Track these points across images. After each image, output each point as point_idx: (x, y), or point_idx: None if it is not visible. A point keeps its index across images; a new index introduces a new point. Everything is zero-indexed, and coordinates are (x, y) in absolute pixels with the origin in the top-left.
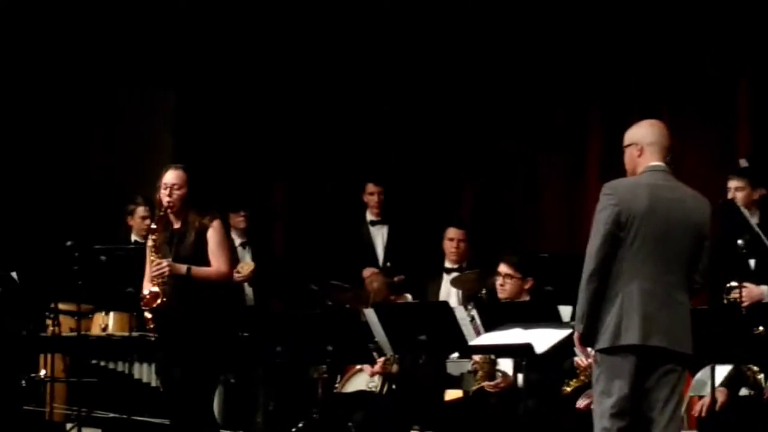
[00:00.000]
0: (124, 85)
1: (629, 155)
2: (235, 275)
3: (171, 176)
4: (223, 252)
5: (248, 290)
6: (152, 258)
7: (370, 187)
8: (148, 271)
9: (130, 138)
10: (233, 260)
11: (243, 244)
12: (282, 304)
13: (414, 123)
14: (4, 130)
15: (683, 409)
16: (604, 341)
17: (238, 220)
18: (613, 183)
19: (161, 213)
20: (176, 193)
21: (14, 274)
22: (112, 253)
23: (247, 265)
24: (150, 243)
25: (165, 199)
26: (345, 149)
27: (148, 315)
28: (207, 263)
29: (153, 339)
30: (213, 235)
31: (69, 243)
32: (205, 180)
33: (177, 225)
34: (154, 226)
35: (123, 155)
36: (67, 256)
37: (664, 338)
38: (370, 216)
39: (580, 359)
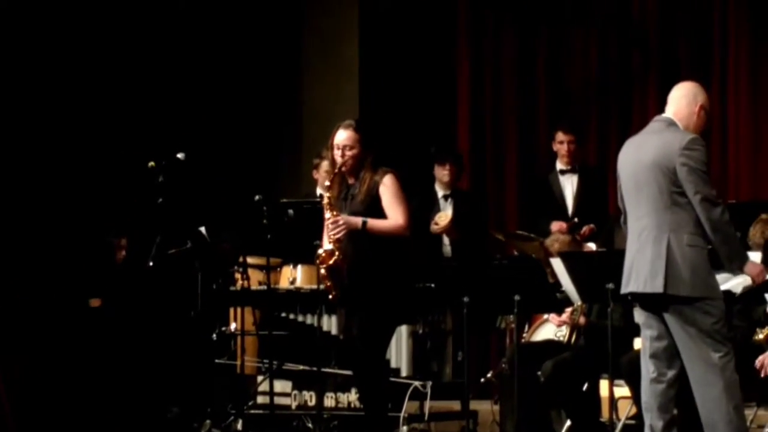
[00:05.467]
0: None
1: None
2: (433, 227)
3: (342, 137)
4: (398, 204)
5: (446, 241)
6: (328, 216)
7: (560, 136)
8: (326, 230)
9: (314, 87)
10: (432, 213)
11: (445, 197)
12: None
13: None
14: (190, 85)
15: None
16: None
17: (444, 173)
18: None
19: (336, 171)
20: (348, 153)
21: (203, 230)
22: (299, 207)
23: (444, 216)
24: (325, 201)
25: (338, 160)
26: (533, 96)
27: (324, 273)
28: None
29: (330, 298)
30: (385, 190)
31: (257, 197)
32: (378, 136)
33: (351, 181)
34: (327, 183)
35: (307, 104)
36: (256, 210)
37: (635, 282)
38: (560, 165)
39: None
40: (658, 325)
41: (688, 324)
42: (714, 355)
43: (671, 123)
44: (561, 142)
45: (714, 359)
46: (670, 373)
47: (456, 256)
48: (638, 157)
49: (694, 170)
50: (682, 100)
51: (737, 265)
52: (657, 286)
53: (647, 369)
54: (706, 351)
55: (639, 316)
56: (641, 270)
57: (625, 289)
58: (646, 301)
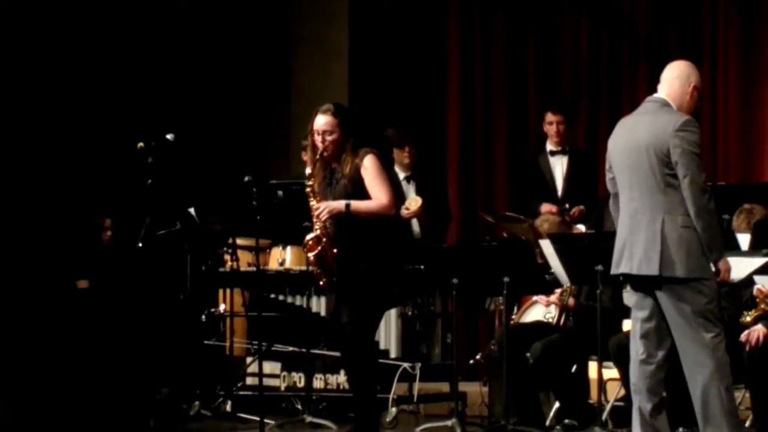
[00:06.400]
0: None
1: None
2: (404, 212)
3: (321, 122)
4: (381, 183)
5: (415, 224)
6: (312, 204)
7: (549, 116)
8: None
9: (303, 69)
10: (399, 197)
11: (407, 178)
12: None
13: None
14: (179, 67)
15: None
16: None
17: (404, 155)
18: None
19: (317, 157)
20: (328, 138)
21: (192, 211)
22: (288, 188)
23: (415, 200)
24: (308, 189)
25: (318, 145)
26: (523, 79)
27: (312, 260)
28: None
29: (321, 285)
30: (366, 171)
31: (247, 178)
32: (359, 118)
33: (334, 166)
34: (309, 170)
35: (297, 86)
36: (245, 191)
37: (628, 263)
38: (550, 146)
39: (761, 287)
40: (649, 305)
41: (681, 303)
42: (706, 335)
43: (665, 104)
44: (550, 123)
45: (706, 339)
46: (660, 354)
47: (426, 239)
48: (631, 138)
49: (686, 152)
50: (675, 81)
51: (714, 257)
52: (652, 269)
53: (636, 350)
54: (698, 331)
55: (630, 297)
56: (635, 251)
57: (616, 270)
58: (639, 281)
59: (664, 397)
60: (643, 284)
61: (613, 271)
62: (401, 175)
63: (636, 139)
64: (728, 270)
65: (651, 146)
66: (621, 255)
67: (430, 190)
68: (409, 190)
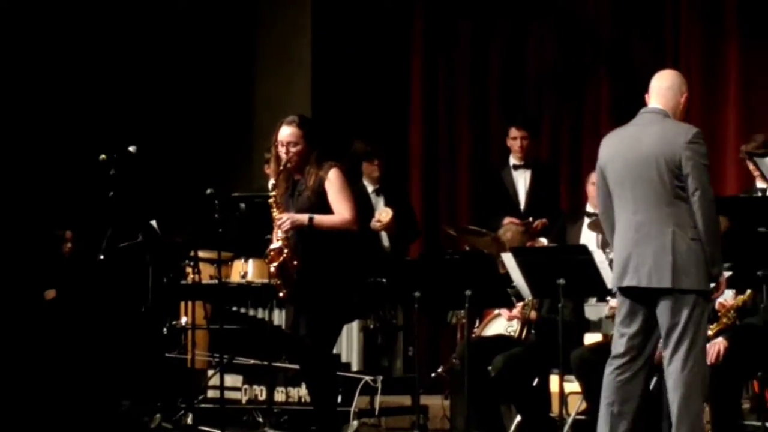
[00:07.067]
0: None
1: None
2: (375, 224)
3: (285, 133)
4: (344, 199)
5: (385, 238)
6: (274, 214)
7: (514, 132)
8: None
9: (267, 80)
10: (368, 209)
11: (376, 191)
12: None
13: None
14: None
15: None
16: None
17: (372, 168)
18: (606, 136)
19: (281, 168)
20: (292, 150)
21: (154, 223)
22: (250, 201)
23: (386, 211)
24: (271, 199)
25: (282, 156)
26: (487, 91)
27: (273, 271)
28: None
29: (281, 296)
30: (330, 185)
31: (209, 191)
32: (323, 130)
33: (297, 177)
34: (273, 182)
35: (260, 97)
36: (207, 204)
37: (634, 277)
38: (513, 160)
39: (723, 301)
40: (639, 322)
41: (682, 313)
42: (698, 345)
43: (666, 114)
44: (514, 138)
45: (697, 348)
46: (637, 366)
47: (395, 251)
48: (636, 149)
49: (698, 165)
50: (669, 91)
51: (716, 272)
52: (664, 281)
53: (614, 364)
54: (693, 340)
55: (620, 311)
56: (643, 264)
57: (620, 283)
58: (641, 293)
59: (639, 405)
60: (645, 297)
61: (617, 284)
62: (370, 188)
63: (643, 150)
64: (725, 285)
65: (661, 157)
66: (625, 268)
67: (398, 203)
68: (379, 202)
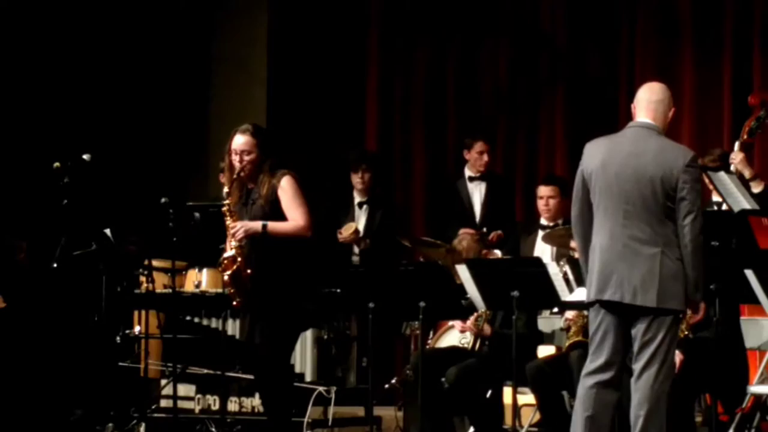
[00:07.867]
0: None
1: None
2: (339, 236)
3: (239, 142)
4: (298, 206)
5: (356, 250)
6: (228, 223)
7: (481, 146)
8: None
9: (222, 91)
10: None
11: (360, 204)
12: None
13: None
14: (97, 87)
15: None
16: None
17: (357, 179)
18: (589, 143)
19: (234, 177)
20: (246, 158)
21: (108, 232)
22: (205, 210)
23: (348, 226)
24: (225, 208)
25: (236, 165)
26: (442, 104)
27: (227, 279)
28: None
29: (234, 304)
30: (283, 192)
31: (163, 200)
32: (275, 140)
33: (251, 186)
34: (227, 190)
35: (216, 108)
36: (162, 213)
37: (617, 291)
38: (469, 172)
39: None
40: (619, 332)
41: (660, 331)
42: (669, 361)
43: (659, 131)
44: (480, 152)
45: (668, 363)
46: (614, 377)
47: (363, 263)
48: (629, 166)
49: (694, 189)
50: (660, 105)
51: (699, 296)
52: (649, 300)
53: (593, 377)
54: (666, 355)
55: (596, 323)
56: (629, 281)
57: (599, 295)
58: (619, 307)
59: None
60: (624, 311)
61: (596, 296)
62: (356, 199)
63: (639, 166)
64: (704, 310)
65: (658, 177)
66: (606, 281)
67: (383, 218)
68: (361, 215)
